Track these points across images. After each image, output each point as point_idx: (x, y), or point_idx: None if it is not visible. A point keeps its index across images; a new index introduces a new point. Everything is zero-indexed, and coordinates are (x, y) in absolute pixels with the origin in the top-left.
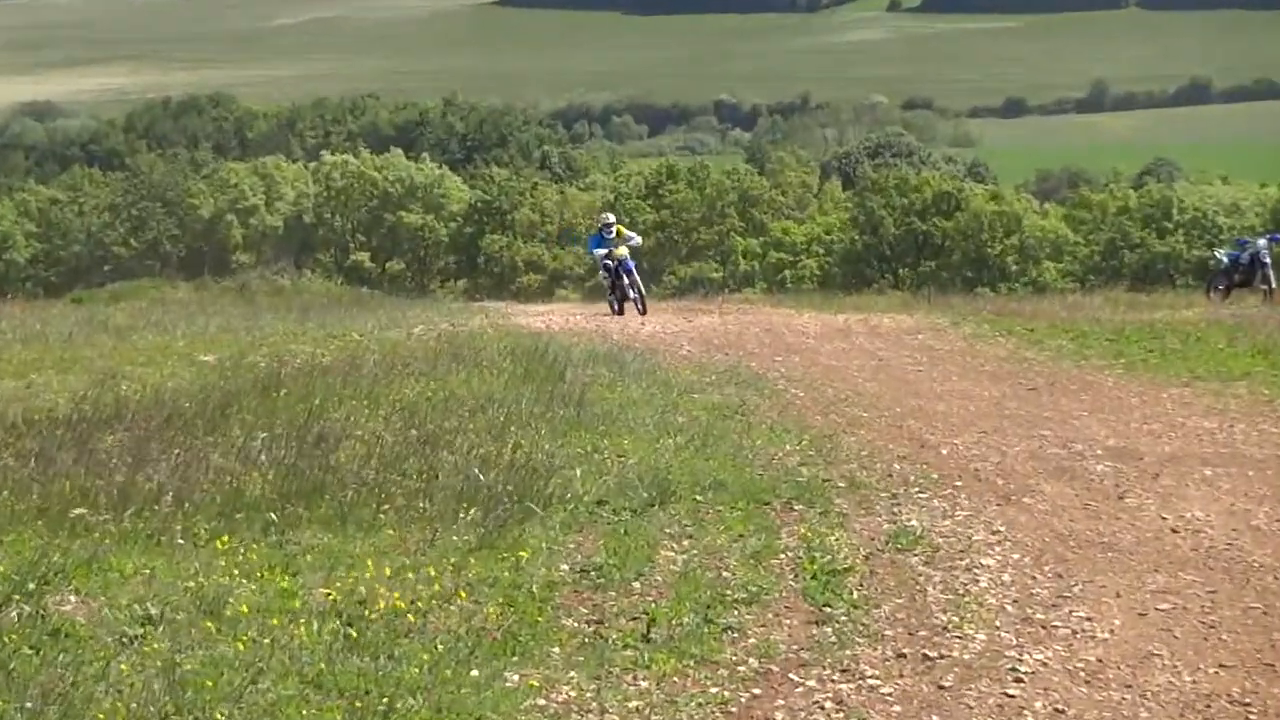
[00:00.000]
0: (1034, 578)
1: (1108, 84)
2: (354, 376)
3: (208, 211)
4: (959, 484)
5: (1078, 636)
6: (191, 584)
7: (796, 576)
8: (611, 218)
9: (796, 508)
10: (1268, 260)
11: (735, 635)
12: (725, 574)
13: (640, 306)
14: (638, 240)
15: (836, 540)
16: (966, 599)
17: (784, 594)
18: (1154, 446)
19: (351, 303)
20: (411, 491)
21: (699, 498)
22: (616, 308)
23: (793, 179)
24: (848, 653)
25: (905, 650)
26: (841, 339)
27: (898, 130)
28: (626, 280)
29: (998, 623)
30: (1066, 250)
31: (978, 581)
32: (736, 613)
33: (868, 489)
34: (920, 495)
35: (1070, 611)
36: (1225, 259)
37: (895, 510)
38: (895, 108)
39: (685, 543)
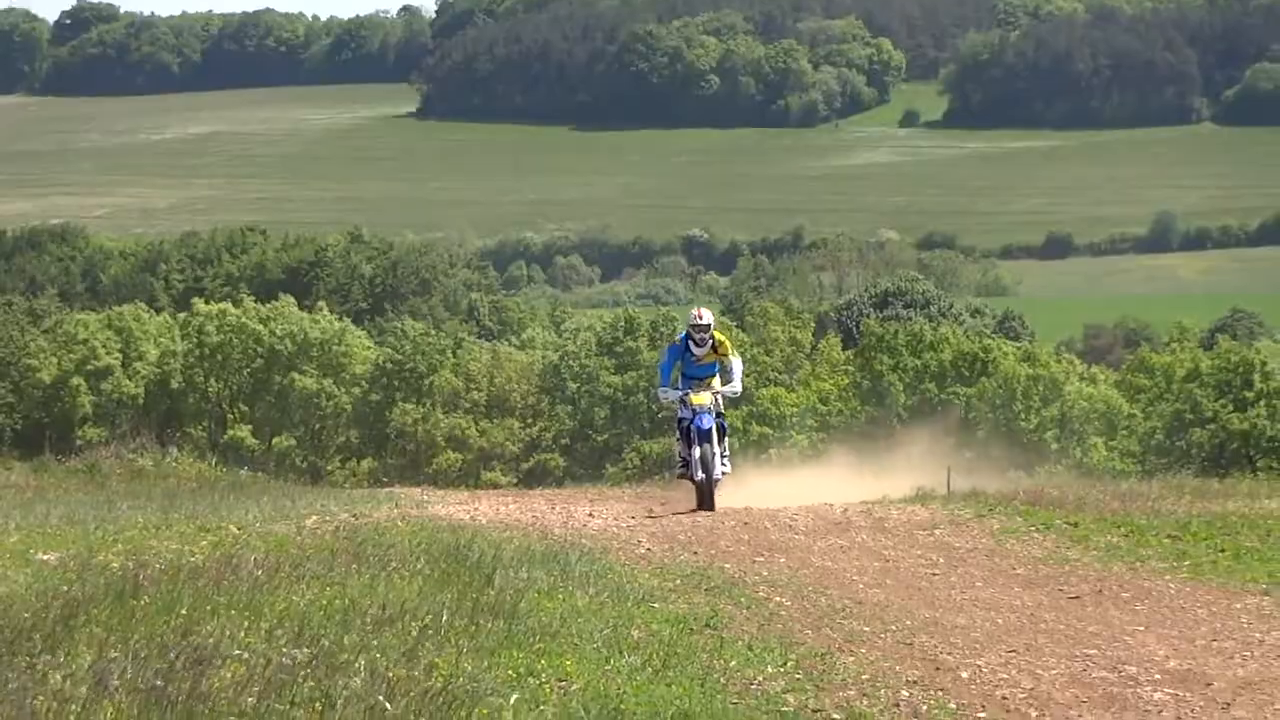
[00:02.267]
0: None
1: (1174, 217)
2: (231, 581)
3: (49, 375)
4: (982, 716)
5: None
6: None
7: None
8: (708, 317)
9: None
10: None
11: None
12: None
13: (707, 496)
14: (737, 384)
15: None
16: None
17: None
18: (1225, 669)
19: (229, 488)
20: None
21: None
22: (697, 476)
23: (780, 335)
24: None
25: None
26: (839, 534)
27: (912, 274)
28: (698, 452)
29: None
30: (1120, 424)
31: None
32: None
33: None
34: None
35: None
36: None
37: None
38: (909, 246)
39: None
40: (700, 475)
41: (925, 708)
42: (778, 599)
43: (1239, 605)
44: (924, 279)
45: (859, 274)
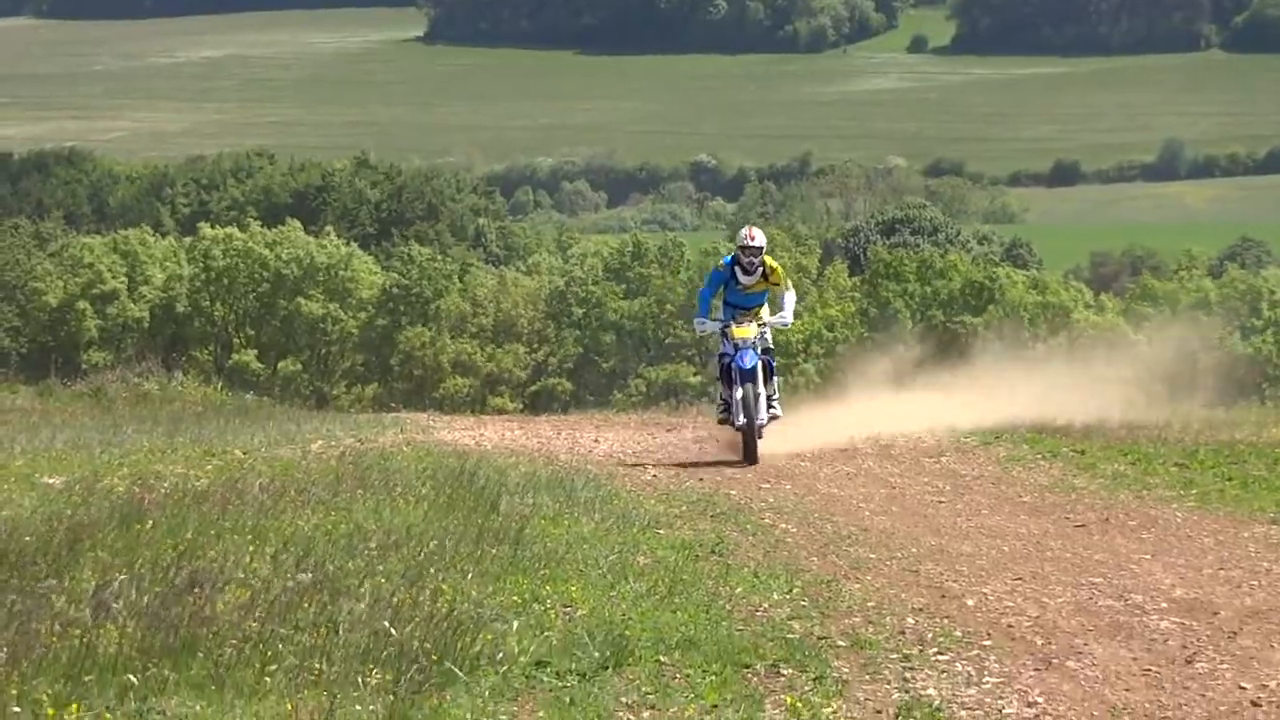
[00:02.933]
0: None
1: (1182, 145)
2: (236, 506)
3: (55, 298)
4: (988, 644)
5: None
6: None
7: None
8: (760, 239)
9: (785, 672)
10: None
11: None
12: None
13: (750, 445)
14: (789, 315)
15: (834, 713)
16: None
17: None
18: (1232, 599)
19: (234, 413)
20: (305, 649)
21: (663, 659)
22: (739, 421)
23: (788, 261)
24: None
25: None
26: (845, 461)
27: (919, 201)
28: (739, 393)
29: None
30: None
31: None
32: None
33: (874, 649)
34: (940, 657)
35: None
36: None
37: (908, 676)
38: (916, 173)
39: (646, 715)
40: (742, 420)
41: (930, 635)
42: (783, 525)
43: (1246, 534)
44: (931, 206)
45: (866, 201)
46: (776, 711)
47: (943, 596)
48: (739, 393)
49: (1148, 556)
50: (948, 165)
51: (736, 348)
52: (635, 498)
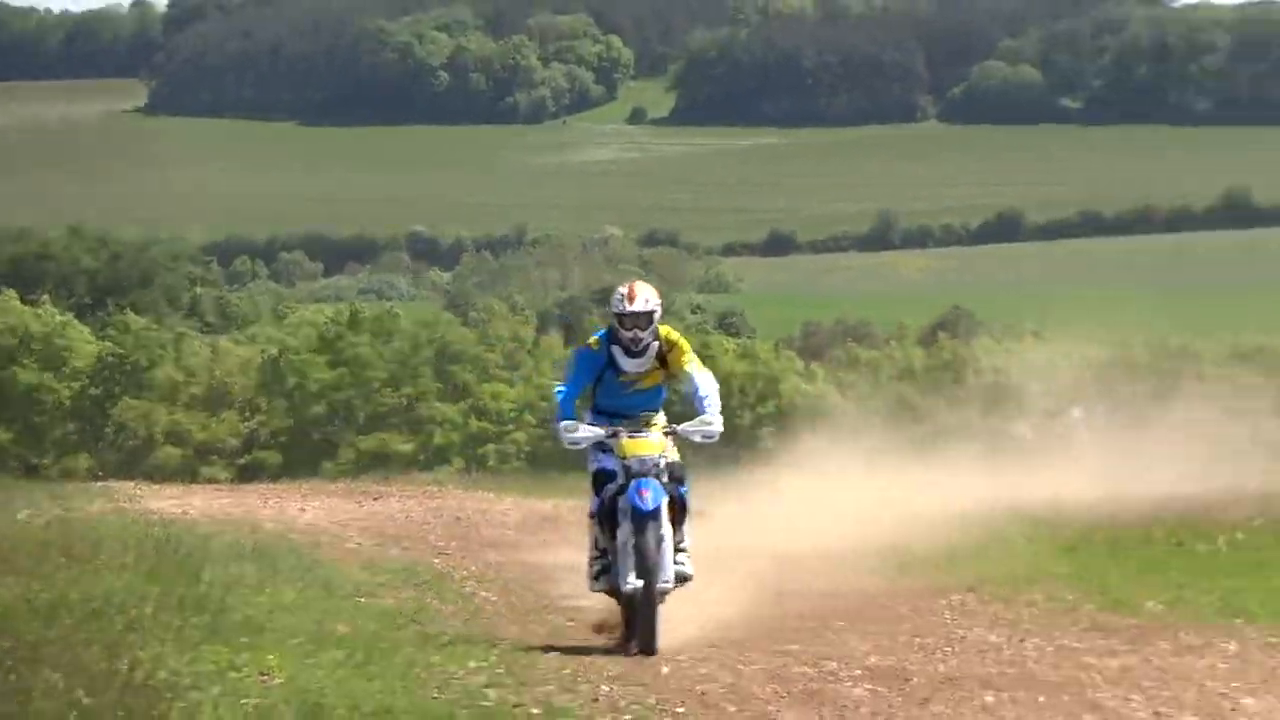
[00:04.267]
0: None
1: (896, 216)
2: None
3: None
4: (680, 710)
5: None
6: None
7: None
8: (650, 300)
9: None
10: (1084, 430)
11: None
12: None
13: (645, 621)
14: (714, 416)
15: None
16: None
17: None
18: (925, 666)
19: None
20: (2, 717)
21: None
22: (626, 583)
23: (504, 331)
24: None
25: None
26: (550, 530)
27: (635, 271)
28: (629, 536)
29: None
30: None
31: None
32: None
33: (569, 716)
34: None
35: None
36: (1027, 433)
37: None
38: (632, 242)
39: None
40: (632, 581)
41: (624, 702)
42: (484, 594)
43: (943, 602)
44: (646, 275)
45: (581, 271)
46: None
47: (638, 665)
48: (627, 536)
49: (844, 624)
50: (663, 235)
51: (630, 474)
52: (338, 566)
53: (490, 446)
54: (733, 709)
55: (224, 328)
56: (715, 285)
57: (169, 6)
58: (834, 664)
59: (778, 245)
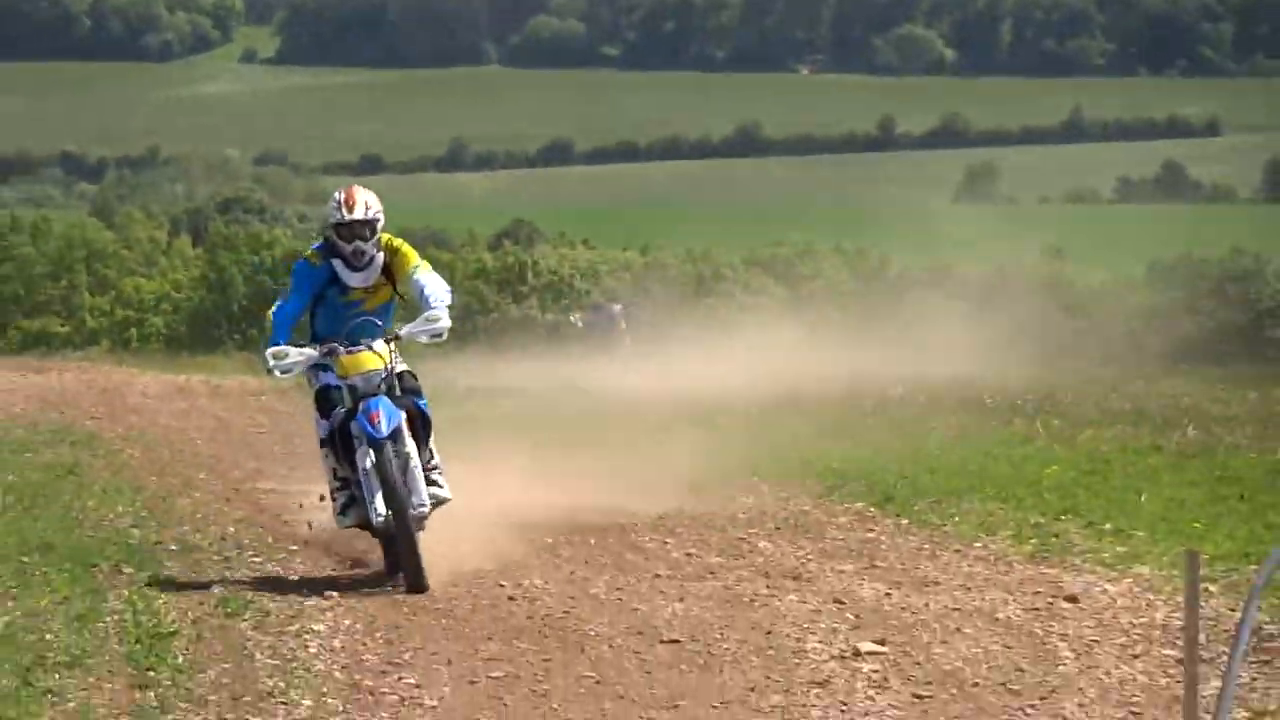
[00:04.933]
0: (365, 644)
1: (466, 142)
2: None
3: None
4: (294, 548)
5: (405, 703)
6: None
7: (121, 640)
8: (370, 205)
9: (125, 570)
10: (624, 325)
11: (55, 699)
12: (48, 637)
13: (407, 555)
14: (442, 311)
15: (164, 604)
16: (295, 664)
17: (108, 658)
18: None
19: None
20: None
21: (25, 559)
22: (377, 515)
23: (142, 235)
24: (169, 718)
25: (228, 716)
26: (183, 399)
27: (250, 186)
28: (368, 460)
29: (324, 689)
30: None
31: (307, 647)
32: (58, 676)
33: (200, 552)
34: (254, 559)
35: (400, 678)
36: (579, 323)
37: (227, 574)
38: (247, 163)
39: (8, 604)
40: (381, 512)
41: (247, 540)
42: (129, 451)
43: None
44: (259, 190)
45: (206, 185)
46: (118, 602)
47: (260, 510)
48: (369, 461)
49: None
50: (273, 156)
51: (356, 395)
52: (6, 427)
53: (133, 331)
54: (338, 545)
55: None
56: (318, 198)
57: None
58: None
59: (369, 166)
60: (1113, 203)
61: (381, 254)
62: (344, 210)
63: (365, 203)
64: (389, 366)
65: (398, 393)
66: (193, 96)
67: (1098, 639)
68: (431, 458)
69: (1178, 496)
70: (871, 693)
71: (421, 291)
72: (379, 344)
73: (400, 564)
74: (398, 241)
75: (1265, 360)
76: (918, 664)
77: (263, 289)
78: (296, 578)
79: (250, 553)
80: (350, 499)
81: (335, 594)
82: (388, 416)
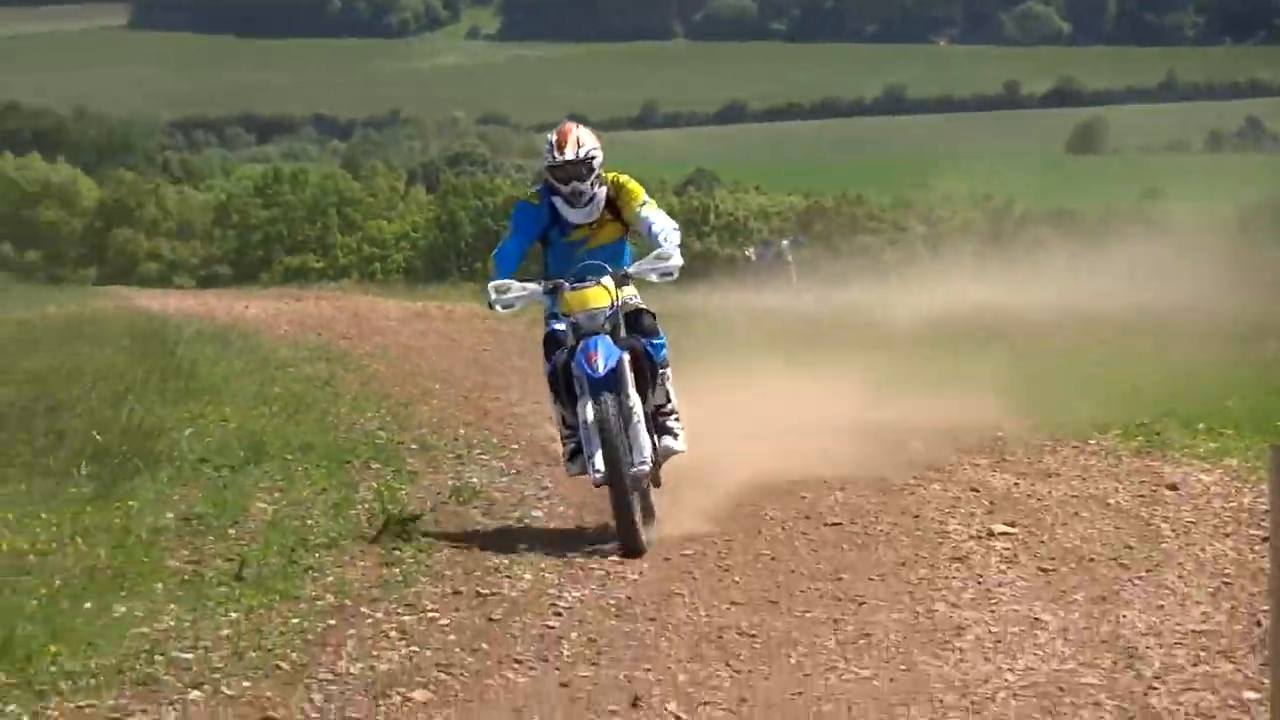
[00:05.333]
0: (576, 527)
1: (657, 104)
2: None
3: None
4: (515, 447)
5: (610, 577)
6: None
7: (371, 524)
8: (585, 143)
9: (374, 466)
10: (790, 258)
11: (316, 575)
12: (310, 522)
13: (625, 518)
14: (672, 250)
15: (407, 494)
16: (518, 544)
17: (360, 540)
18: None
19: None
20: (38, 450)
21: (289, 457)
22: (596, 471)
23: (383, 184)
24: (412, 590)
25: (461, 588)
26: (420, 322)
27: (474, 142)
28: (591, 412)
29: (542, 565)
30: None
31: (527, 530)
32: (317, 555)
33: (437, 450)
34: (482, 456)
35: (606, 556)
36: (753, 257)
37: (459, 469)
38: (472, 123)
39: (276, 495)
40: (599, 470)
41: (475, 440)
42: (375, 365)
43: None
44: (482, 146)
45: (437, 142)
46: (368, 493)
47: (485, 415)
48: (590, 411)
49: None
50: (494, 118)
51: (579, 333)
52: (272, 346)
53: (377, 265)
54: (553, 445)
55: (188, 180)
56: (531, 152)
57: None
58: None
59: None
60: (1202, 153)
61: (604, 189)
62: (555, 151)
63: (578, 139)
64: (614, 304)
65: (622, 332)
66: (427, 67)
67: (1194, 521)
68: (665, 403)
69: (1261, 403)
70: (1003, 567)
71: (650, 228)
72: (606, 279)
73: (619, 529)
74: (623, 178)
75: None
76: (1042, 543)
77: (486, 230)
78: (517, 472)
79: (478, 450)
80: (577, 447)
81: (550, 485)
82: (606, 356)
